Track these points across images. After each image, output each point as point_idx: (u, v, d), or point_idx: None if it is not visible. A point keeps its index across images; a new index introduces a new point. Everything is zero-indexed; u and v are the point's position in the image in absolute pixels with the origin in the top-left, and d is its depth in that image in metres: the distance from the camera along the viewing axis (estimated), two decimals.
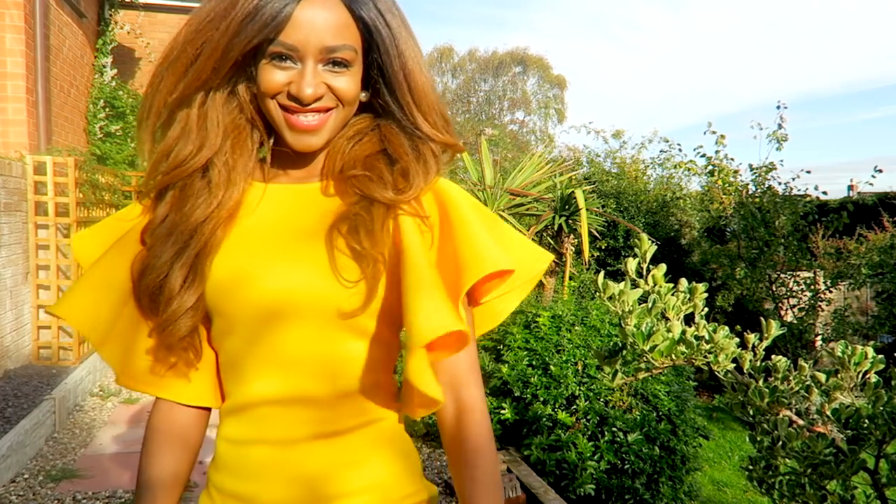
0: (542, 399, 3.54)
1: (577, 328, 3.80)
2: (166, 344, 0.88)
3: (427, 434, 3.94)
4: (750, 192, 6.68)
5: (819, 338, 6.62)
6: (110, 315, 0.92)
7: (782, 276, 6.66)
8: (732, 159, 6.91)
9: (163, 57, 0.86)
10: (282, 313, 0.85)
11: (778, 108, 6.62)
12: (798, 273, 6.66)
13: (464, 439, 0.88)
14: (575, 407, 3.51)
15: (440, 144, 0.90)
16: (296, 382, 0.86)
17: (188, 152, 0.85)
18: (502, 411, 3.68)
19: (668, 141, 8.86)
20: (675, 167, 8.52)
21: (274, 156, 0.93)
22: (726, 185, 6.81)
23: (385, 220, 0.85)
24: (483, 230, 0.88)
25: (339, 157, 0.90)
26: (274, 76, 0.83)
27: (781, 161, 6.60)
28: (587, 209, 4.84)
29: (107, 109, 7.16)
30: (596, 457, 3.34)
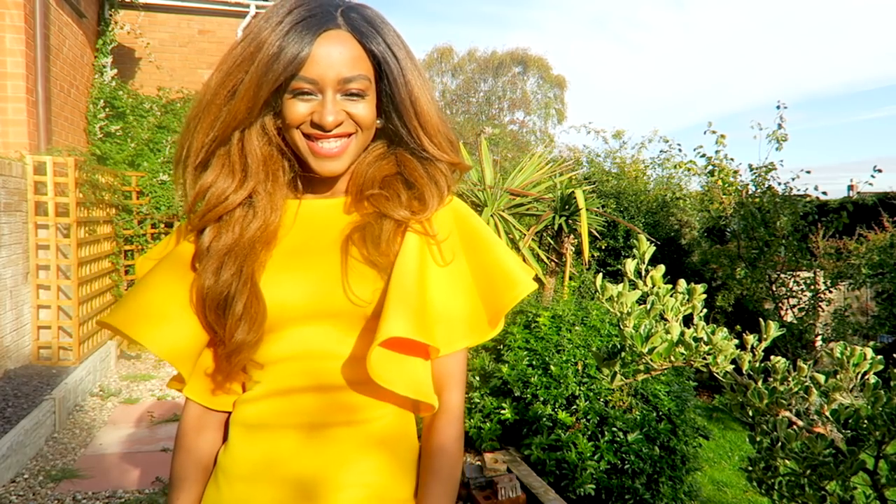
0: (542, 399, 3.54)
1: (577, 328, 3.80)
2: (234, 367, 0.95)
3: None
4: (750, 192, 6.67)
5: (819, 338, 6.61)
6: (193, 344, 0.96)
7: (782, 276, 6.66)
8: (732, 159, 6.91)
9: (196, 101, 0.94)
10: (307, 317, 0.94)
11: (778, 108, 6.62)
12: (798, 273, 6.65)
13: (433, 436, 0.96)
14: (575, 407, 3.51)
15: (447, 164, 0.99)
16: (313, 373, 0.94)
17: (232, 187, 0.94)
18: (502, 411, 3.68)
19: (668, 141, 8.85)
20: (675, 167, 8.51)
21: (302, 179, 1.02)
22: (726, 185, 6.80)
23: (393, 233, 0.95)
24: (506, 251, 1.00)
25: (361, 179, 1.00)
26: (298, 109, 0.91)
27: (781, 161, 6.61)
28: (587, 209, 4.84)
29: (107, 109, 7.15)
30: (596, 457, 3.34)
